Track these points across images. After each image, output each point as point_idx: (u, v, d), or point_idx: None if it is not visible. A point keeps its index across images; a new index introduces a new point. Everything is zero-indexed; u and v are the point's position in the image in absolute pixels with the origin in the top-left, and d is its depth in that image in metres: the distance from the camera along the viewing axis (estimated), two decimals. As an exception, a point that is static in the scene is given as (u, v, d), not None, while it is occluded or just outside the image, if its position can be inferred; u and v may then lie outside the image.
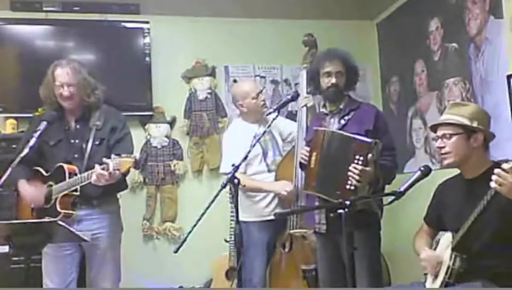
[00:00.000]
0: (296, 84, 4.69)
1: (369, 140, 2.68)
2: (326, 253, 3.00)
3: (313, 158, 2.86)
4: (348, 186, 2.68)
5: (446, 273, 2.33)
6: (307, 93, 3.40)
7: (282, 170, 3.44)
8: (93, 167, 2.84)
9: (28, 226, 2.54)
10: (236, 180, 2.67)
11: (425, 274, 2.51)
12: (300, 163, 3.02)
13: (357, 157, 2.67)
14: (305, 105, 3.36)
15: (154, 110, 4.42)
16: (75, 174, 2.91)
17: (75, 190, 2.90)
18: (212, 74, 4.57)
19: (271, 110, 3.22)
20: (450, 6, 3.74)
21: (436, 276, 2.41)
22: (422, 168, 2.28)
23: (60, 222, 2.51)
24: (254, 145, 3.00)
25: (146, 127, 4.41)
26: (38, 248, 2.56)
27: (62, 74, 3.01)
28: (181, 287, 4.20)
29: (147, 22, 4.40)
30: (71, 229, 2.60)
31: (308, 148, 2.94)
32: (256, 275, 3.43)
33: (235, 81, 4.61)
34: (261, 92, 3.61)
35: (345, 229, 2.08)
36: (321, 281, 3.09)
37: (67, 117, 3.11)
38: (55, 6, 4.35)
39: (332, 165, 2.79)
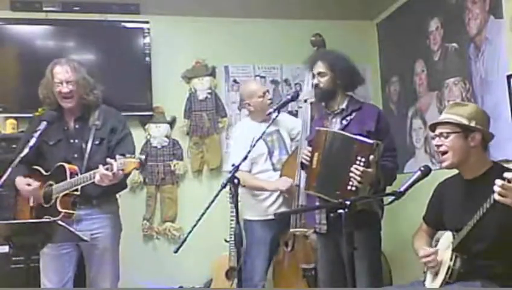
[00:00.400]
0: (296, 84, 4.70)
1: (371, 141, 2.68)
2: (326, 253, 3.00)
3: (315, 158, 2.86)
4: (349, 187, 2.68)
5: (446, 273, 2.34)
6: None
7: (287, 168, 3.48)
8: (93, 167, 2.85)
9: (27, 226, 2.54)
10: (236, 180, 2.68)
11: (425, 273, 2.52)
12: (302, 163, 3.02)
13: (359, 158, 2.66)
14: (307, 100, 3.38)
15: (154, 110, 4.42)
16: (76, 174, 2.91)
17: (76, 190, 2.90)
18: (212, 74, 4.57)
19: (271, 110, 3.22)
20: (450, 6, 3.74)
21: (436, 275, 2.41)
22: (422, 168, 2.28)
23: (60, 222, 2.51)
24: (254, 145, 3.01)
25: (146, 127, 4.41)
26: (38, 248, 2.56)
27: (61, 71, 3.02)
28: (181, 287, 4.20)
29: (147, 22, 4.40)
30: (71, 229, 2.61)
31: (309, 149, 2.94)
32: (257, 273, 3.47)
33: (235, 81, 4.62)
34: (267, 91, 3.71)
35: (344, 229, 2.08)
36: (321, 281, 3.10)
37: (67, 117, 3.11)
38: (55, 6, 4.35)
39: (333, 165, 2.79)
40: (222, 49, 4.60)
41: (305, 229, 3.30)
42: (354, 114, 2.94)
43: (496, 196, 2.06)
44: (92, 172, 2.82)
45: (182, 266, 4.08)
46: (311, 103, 3.50)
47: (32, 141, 2.87)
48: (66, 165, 2.95)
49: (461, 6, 3.61)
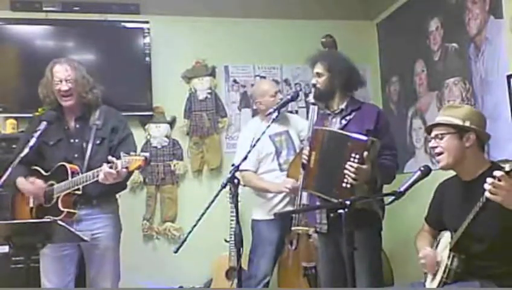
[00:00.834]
0: (296, 84, 4.70)
1: (364, 138, 2.69)
2: (327, 252, 3.00)
3: (312, 158, 2.88)
4: (344, 185, 2.69)
5: (444, 272, 2.35)
6: None
7: (293, 169, 3.51)
8: (94, 167, 2.85)
9: (27, 226, 2.54)
10: (236, 180, 2.68)
11: (425, 273, 2.52)
12: (303, 163, 3.03)
13: (353, 155, 2.68)
14: (313, 103, 3.39)
15: (154, 110, 4.42)
16: (78, 174, 2.91)
17: (77, 189, 2.90)
18: (212, 74, 4.57)
19: (271, 110, 3.23)
20: (450, 6, 3.74)
21: (435, 275, 2.42)
22: (422, 168, 2.29)
23: (60, 222, 2.50)
24: (254, 145, 3.01)
25: (146, 127, 4.41)
26: (38, 248, 2.56)
27: (60, 70, 3.02)
28: (181, 287, 4.20)
29: (147, 22, 4.40)
30: (71, 229, 2.61)
31: (308, 148, 2.95)
32: (262, 272, 3.53)
33: (235, 81, 4.63)
34: (279, 91, 3.78)
35: (345, 229, 2.08)
36: (321, 281, 3.11)
37: (67, 117, 3.11)
38: (55, 6, 4.36)
39: (329, 163, 2.80)
40: (222, 49, 4.60)
41: (308, 228, 3.32)
42: (353, 114, 2.95)
43: (487, 194, 2.09)
44: (95, 171, 2.83)
45: (182, 266, 4.08)
46: (312, 104, 3.49)
47: (32, 141, 2.87)
48: (67, 165, 2.95)
49: (461, 6, 3.61)
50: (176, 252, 2.61)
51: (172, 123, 4.49)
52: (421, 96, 4.16)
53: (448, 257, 2.35)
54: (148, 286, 4.12)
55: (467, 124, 2.40)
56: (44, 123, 2.94)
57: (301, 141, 3.70)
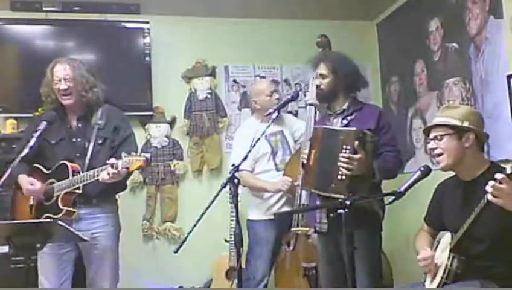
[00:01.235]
0: (296, 84, 4.70)
1: (352, 128, 2.74)
2: (327, 252, 3.00)
3: (312, 156, 2.90)
4: (339, 177, 2.70)
5: (444, 273, 2.34)
6: None
7: (289, 169, 3.50)
8: (96, 166, 2.86)
9: (27, 226, 2.53)
10: (236, 180, 2.68)
11: (425, 274, 2.52)
12: (302, 162, 3.04)
13: (345, 146, 2.71)
14: (311, 104, 3.38)
15: (154, 110, 4.42)
16: (78, 172, 2.92)
17: (77, 188, 2.90)
18: (212, 74, 4.57)
19: (271, 110, 3.23)
20: (450, 6, 3.74)
21: (434, 276, 2.41)
22: (422, 168, 2.29)
23: (60, 222, 2.50)
24: (254, 145, 3.02)
25: (146, 127, 4.41)
26: (38, 248, 2.56)
27: (60, 69, 3.03)
28: (181, 287, 4.20)
29: (147, 22, 4.40)
30: (71, 229, 2.61)
31: (308, 148, 2.96)
32: (260, 273, 3.50)
33: (235, 81, 4.62)
34: (275, 91, 3.74)
35: (345, 229, 2.09)
36: (322, 280, 3.11)
37: (69, 116, 3.12)
38: (55, 6, 4.35)
39: (326, 160, 2.81)
40: (222, 49, 4.60)
41: (307, 228, 3.31)
42: (354, 114, 2.96)
43: (489, 196, 2.09)
44: (95, 170, 2.83)
45: (182, 266, 4.08)
46: (312, 105, 3.49)
47: (32, 141, 2.87)
48: (68, 164, 2.95)
49: (461, 6, 3.61)
50: (176, 252, 2.61)
51: (172, 123, 4.49)
52: (421, 96, 4.16)
53: (448, 257, 2.34)
54: (148, 286, 4.12)
55: (466, 124, 2.40)
56: (44, 123, 2.94)
57: (295, 141, 3.70)
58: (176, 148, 4.46)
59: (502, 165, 2.35)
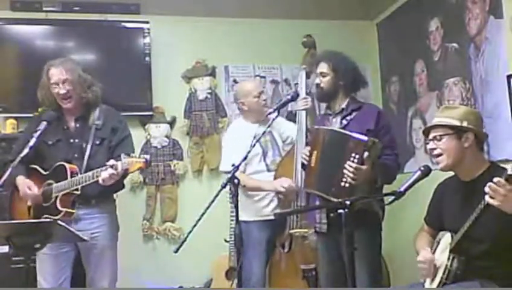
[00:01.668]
0: (295, 84, 4.70)
1: (365, 138, 2.69)
2: (327, 252, 3.00)
3: (313, 157, 2.89)
4: (342, 184, 2.70)
5: (444, 273, 2.34)
6: (306, 94, 3.41)
7: (281, 169, 3.45)
8: (94, 167, 2.86)
9: (27, 226, 2.54)
10: (236, 180, 2.67)
11: (423, 278, 2.51)
12: (303, 163, 3.03)
13: (353, 155, 2.68)
14: (303, 108, 3.36)
15: (154, 110, 4.42)
16: (76, 174, 2.91)
17: (76, 189, 2.90)
18: (212, 74, 4.57)
19: (271, 110, 3.22)
20: (450, 6, 3.74)
21: (434, 276, 2.41)
22: (422, 168, 2.29)
23: (60, 222, 2.50)
24: (254, 145, 3.02)
25: (146, 127, 4.41)
26: (38, 248, 2.56)
27: (56, 72, 3.02)
28: (181, 287, 4.19)
29: (147, 22, 4.40)
30: (71, 229, 2.61)
31: (309, 148, 2.96)
32: (254, 274, 3.44)
33: (235, 81, 4.61)
34: (263, 92, 3.67)
35: (345, 229, 2.08)
36: (321, 281, 3.10)
37: (67, 117, 3.11)
38: (55, 6, 4.35)
39: (329, 162, 2.80)
40: (222, 49, 4.60)
41: (305, 230, 3.28)
42: (354, 114, 2.95)
43: (487, 197, 2.10)
44: (94, 171, 2.83)
45: (182, 266, 4.08)
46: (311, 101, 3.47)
47: (32, 141, 2.87)
48: (66, 165, 2.95)
49: (461, 6, 3.61)
50: (176, 252, 2.62)
51: (172, 123, 4.49)
52: (421, 96, 4.16)
53: (448, 258, 2.34)
54: (148, 286, 4.12)
55: (465, 124, 2.40)
56: (44, 123, 2.94)
57: (283, 141, 3.64)
58: (176, 148, 4.46)
59: (502, 165, 2.36)
